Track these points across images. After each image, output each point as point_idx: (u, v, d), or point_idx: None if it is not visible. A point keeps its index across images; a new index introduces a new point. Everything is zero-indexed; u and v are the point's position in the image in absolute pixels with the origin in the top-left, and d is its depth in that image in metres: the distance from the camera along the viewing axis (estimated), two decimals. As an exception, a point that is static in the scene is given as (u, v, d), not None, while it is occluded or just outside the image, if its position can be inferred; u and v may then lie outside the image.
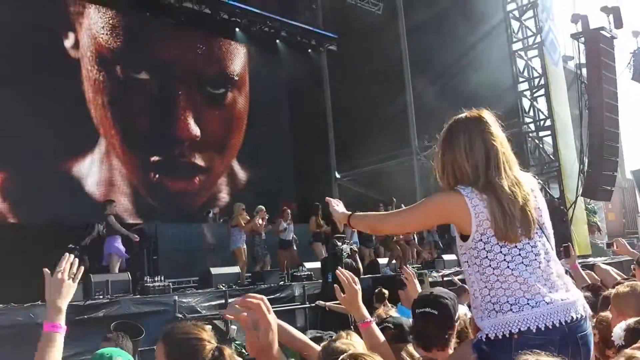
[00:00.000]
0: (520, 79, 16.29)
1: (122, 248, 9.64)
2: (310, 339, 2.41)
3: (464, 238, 2.12)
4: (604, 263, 5.33)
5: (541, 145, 16.14)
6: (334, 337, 2.27)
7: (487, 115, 2.22)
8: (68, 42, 13.77)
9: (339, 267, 2.87)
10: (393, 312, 3.15)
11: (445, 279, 10.94)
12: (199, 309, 8.59)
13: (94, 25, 14.25)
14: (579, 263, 4.65)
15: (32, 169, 12.13)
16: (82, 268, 2.11)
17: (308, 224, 12.43)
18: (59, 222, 12.01)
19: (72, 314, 7.53)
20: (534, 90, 16.19)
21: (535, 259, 2.05)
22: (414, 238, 12.88)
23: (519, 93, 16.10)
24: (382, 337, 2.38)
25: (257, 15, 16.87)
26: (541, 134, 16.14)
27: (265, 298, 1.39)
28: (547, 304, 1.98)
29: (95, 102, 13.94)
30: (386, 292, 7.56)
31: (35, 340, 6.36)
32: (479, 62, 15.37)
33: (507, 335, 1.97)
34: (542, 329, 1.96)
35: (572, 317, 2.00)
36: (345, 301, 2.46)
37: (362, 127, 16.86)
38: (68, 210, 12.53)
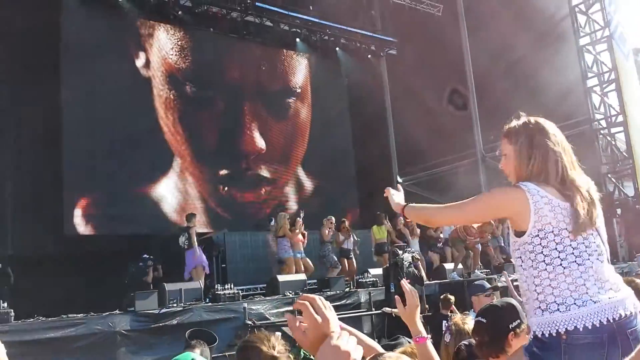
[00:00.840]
0: (589, 74, 15.71)
1: (205, 259, 10.12)
2: (383, 346, 2.45)
3: (519, 234, 2.16)
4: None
5: (613, 143, 15.49)
6: (383, 354, 2.30)
7: (550, 123, 2.32)
8: (139, 62, 14.44)
9: (402, 277, 2.93)
10: (469, 320, 3.17)
11: (514, 283, 10.69)
12: (267, 315, 8.79)
13: (164, 47, 14.89)
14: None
15: (108, 184, 12.84)
16: None
17: (370, 230, 12.51)
18: (134, 233, 12.64)
19: (149, 322, 7.92)
20: (604, 86, 15.58)
21: (589, 259, 2.08)
22: (489, 244, 12.54)
23: (588, 89, 15.53)
24: (435, 356, 2.39)
25: (316, 25, 17.12)
26: (613, 130, 15.49)
27: (318, 298, 1.43)
28: (595, 302, 2.00)
29: (167, 119, 14.56)
30: (452, 297, 7.51)
31: (114, 347, 6.67)
32: (545, 59, 14.94)
33: (554, 335, 2.00)
34: (590, 327, 1.97)
35: (620, 314, 2.00)
36: (405, 314, 2.48)
37: (424, 129, 16.71)
38: (143, 222, 13.21)
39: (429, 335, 2.43)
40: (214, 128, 15.46)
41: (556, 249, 2.08)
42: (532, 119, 2.31)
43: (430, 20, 17.27)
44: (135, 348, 7.63)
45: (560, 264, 2.07)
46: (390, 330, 8.78)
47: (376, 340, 9.15)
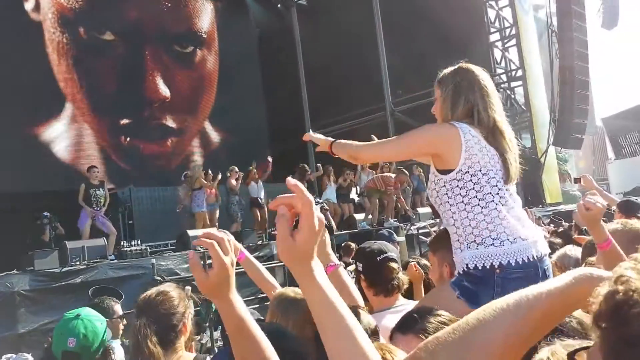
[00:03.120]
0: (492, 30, 16.24)
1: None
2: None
3: (446, 172, 2.21)
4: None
5: (513, 96, 16.25)
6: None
7: (484, 71, 2.37)
8: (28, 5, 13.24)
9: None
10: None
11: (420, 231, 11.12)
12: (177, 271, 8.59)
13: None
14: (551, 210, 4.75)
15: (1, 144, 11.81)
16: None
17: (283, 185, 12.42)
18: (30, 189, 11.80)
19: (49, 281, 7.52)
20: (505, 41, 16.19)
21: (508, 200, 2.19)
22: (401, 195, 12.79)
23: (490, 44, 16.08)
24: (349, 281, 2.40)
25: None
26: (513, 84, 16.22)
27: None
28: (523, 240, 2.12)
29: (60, 65, 13.52)
30: (353, 245, 7.68)
31: (13, 307, 6.28)
32: (449, 14, 15.22)
33: (488, 267, 2.08)
34: (520, 262, 2.08)
35: (540, 252, 2.15)
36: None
37: (335, 84, 16.69)
38: (39, 177, 12.30)
39: (341, 263, 2.45)
40: (112, 74, 14.45)
41: (488, 185, 2.17)
42: (464, 66, 2.36)
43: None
44: (36, 308, 7.26)
45: (493, 200, 2.16)
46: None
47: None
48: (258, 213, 11.58)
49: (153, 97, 15.10)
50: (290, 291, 2.12)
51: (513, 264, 2.08)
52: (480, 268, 2.10)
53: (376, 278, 2.48)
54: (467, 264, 2.13)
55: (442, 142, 2.22)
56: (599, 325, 0.69)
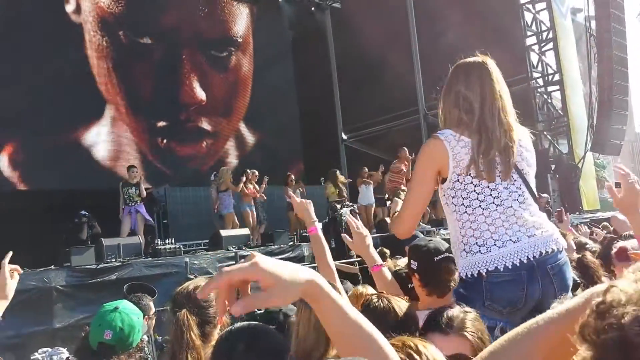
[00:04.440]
0: (528, 33, 16.00)
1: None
2: None
3: (443, 181, 2.21)
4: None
5: (550, 101, 15.97)
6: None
7: (490, 62, 2.26)
8: (69, 7, 13.61)
9: (342, 232, 3.00)
10: (401, 262, 3.21)
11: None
12: (210, 270, 8.71)
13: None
14: (589, 217, 4.65)
15: (40, 137, 12.19)
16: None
17: (317, 187, 12.51)
18: (69, 187, 12.12)
19: (86, 277, 7.69)
20: (542, 45, 15.92)
21: (508, 199, 2.11)
22: None
23: (526, 47, 15.83)
24: (392, 280, 2.50)
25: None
26: (549, 89, 15.94)
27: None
28: (514, 242, 2.05)
29: (100, 68, 13.87)
30: (387, 251, 7.65)
31: (50, 302, 6.45)
32: (485, 16, 15.06)
33: (476, 275, 2.06)
34: (510, 267, 2.02)
35: (541, 252, 2.05)
36: (355, 246, 2.56)
37: (368, 87, 16.68)
38: (78, 177, 12.64)
39: (384, 262, 2.47)
40: (150, 77, 14.81)
41: (474, 191, 2.11)
42: (460, 65, 2.29)
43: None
44: (72, 304, 7.43)
45: (479, 206, 2.11)
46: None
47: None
48: (294, 216, 11.69)
49: (189, 101, 15.39)
50: None
51: (501, 269, 2.03)
52: (469, 276, 2.08)
53: (432, 278, 2.40)
54: (459, 273, 2.14)
55: (435, 160, 2.19)
56: (584, 336, 0.66)
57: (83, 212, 10.64)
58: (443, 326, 1.64)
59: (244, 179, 11.13)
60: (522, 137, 2.23)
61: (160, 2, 15.23)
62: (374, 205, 12.34)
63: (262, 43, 17.27)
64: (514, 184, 2.15)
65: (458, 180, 2.14)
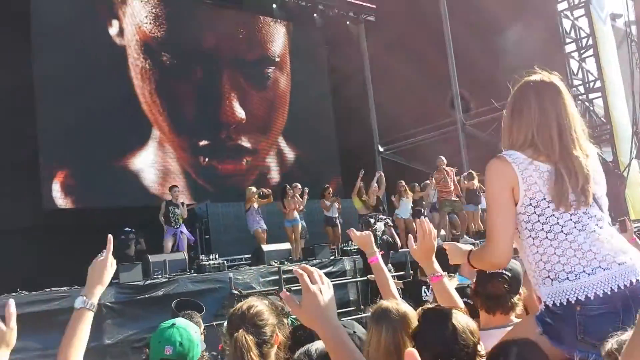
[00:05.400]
0: (567, 40, 15.76)
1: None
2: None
3: (515, 204, 2.07)
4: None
5: (591, 108, 15.64)
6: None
7: (558, 81, 2.16)
8: (112, 30, 14.09)
9: (377, 247, 2.95)
10: (455, 281, 3.18)
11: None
12: (253, 285, 8.82)
13: (138, 15, 14.53)
14: (635, 227, 4.55)
15: (88, 158, 12.63)
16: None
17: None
18: (115, 205, 12.50)
19: (133, 294, 7.88)
20: (582, 51, 15.65)
21: (589, 223, 2.01)
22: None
23: (566, 54, 15.59)
24: (453, 292, 2.42)
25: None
26: (591, 96, 15.63)
27: (314, 271, 1.46)
28: (604, 270, 1.94)
29: (143, 90, 14.29)
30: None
31: (99, 319, 6.62)
32: (522, 25, 14.91)
33: (565, 304, 1.95)
34: (601, 295, 1.91)
35: (631, 280, 1.93)
36: (418, 253, 2.49)
37: (404, 98, 16.65)
38: (123, 194, 13.04)
39: (445, 273, 2.46)
40: (192, 98, 15.23)
41: (553, 215, 2.01)
42: (529, 85, 2.15)
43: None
44: (121, 320, 7.62)
45: (561, 231, 2.00)
46: (374, 296, 8.87)
47: (362, 306, 9.29)
48: (331, 230, 11.75)
49: (230, 120, 15.76)
50: (385, 302, 2.15)
51: (592, 298, 1.92)
52: (558, 305, 1.96)
53: (480, 290, 2.35)
54: (544, 302, 2.01)
55: (506, 180, 2.05)
56: None
57: (128, 228, 10.94)
58: None
59: (291, 192, 11.16)
60: (590, 157, 2.11)
61: (200, 25, 15.63)
62: (406, 219, 12.28)
63: (299, 59, 17.52)
64: (592, 207, 2.05)
65: (530, 204, 2.03)
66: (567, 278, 1.95)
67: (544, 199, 2.01)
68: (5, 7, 11.34)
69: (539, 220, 2.03)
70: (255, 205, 10.89)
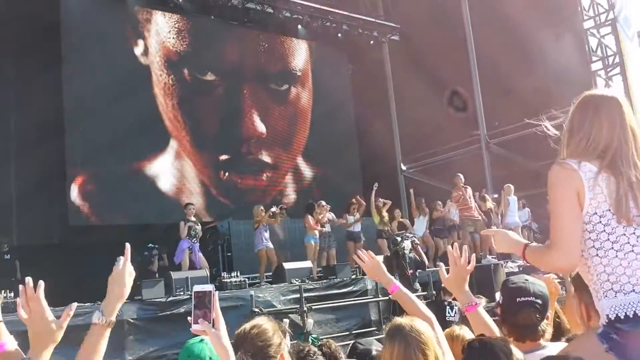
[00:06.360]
0: (594, 58, 15.60)
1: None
2: None
3: None
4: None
5: (619, 127, 15.40)
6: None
7: (621, 97, 2.17)
8: (138, 50, 14.35)
9: (405, 266, 2.92)
10: (483, 301, 3.13)
11: (520, 268, 10.64)
12: (274, 303, 8.79)
13: (161, 31, 14.79)
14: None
15: (109, 170, 12.79)
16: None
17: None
18: (138, 222, 12.61)
19: (156, 310, 7.91)
20: (609, 70, 15.47)
21: None
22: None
23: (592, 73, 15.42)
24: (490, 321, 2.36)
25: (318, 11, 16.93)
26: (618, 115, 15.40)
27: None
28: None
29: (166, 104, 14.48)
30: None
31: (122, 335, 6.67)
32: (547, 43, 14.79)
33: (632, 317, 1.91)
34: None
35: None
36: (450, 283, 2.46)
37: (427, 116, 16.60)
38: (145, 210, 13.15)
39: (480, 302, 2.40)
40: (213, 112, 15.34)
41: (619, 227, 1.99)
42: (588, 96, 2.18)
43: (434, 5, 17.05)
44: (143, 336, 7.64)
45: (628, 242, 1.98)
46: (396, 315, 8.77)
47: (383, 326, 9.19)
48: (354, 247, 11.61)
49: (250, 134, 15.78)
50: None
51: None
52: (623, 318, 1.92)
53: (509, 319, 2.30)
54: (607, 315, 1.96)
55: (572, 184, 2.03)
56: None
57: (151, 245, 11.03)
58: None
59: (318, 211, 11.12)
60: None
61: (222, 40, 15.79)
62: (422, 236, 12.23)
63: (321, 76, 17.56)
64: None
65: (596, 213, 2.01)
66: (634, 290, 1.93)
67: (609, 210, 2.00)
68: (36, 19, 11.62)
69: (604, 231, 2.00)
70: (264, 223, 10.83)
